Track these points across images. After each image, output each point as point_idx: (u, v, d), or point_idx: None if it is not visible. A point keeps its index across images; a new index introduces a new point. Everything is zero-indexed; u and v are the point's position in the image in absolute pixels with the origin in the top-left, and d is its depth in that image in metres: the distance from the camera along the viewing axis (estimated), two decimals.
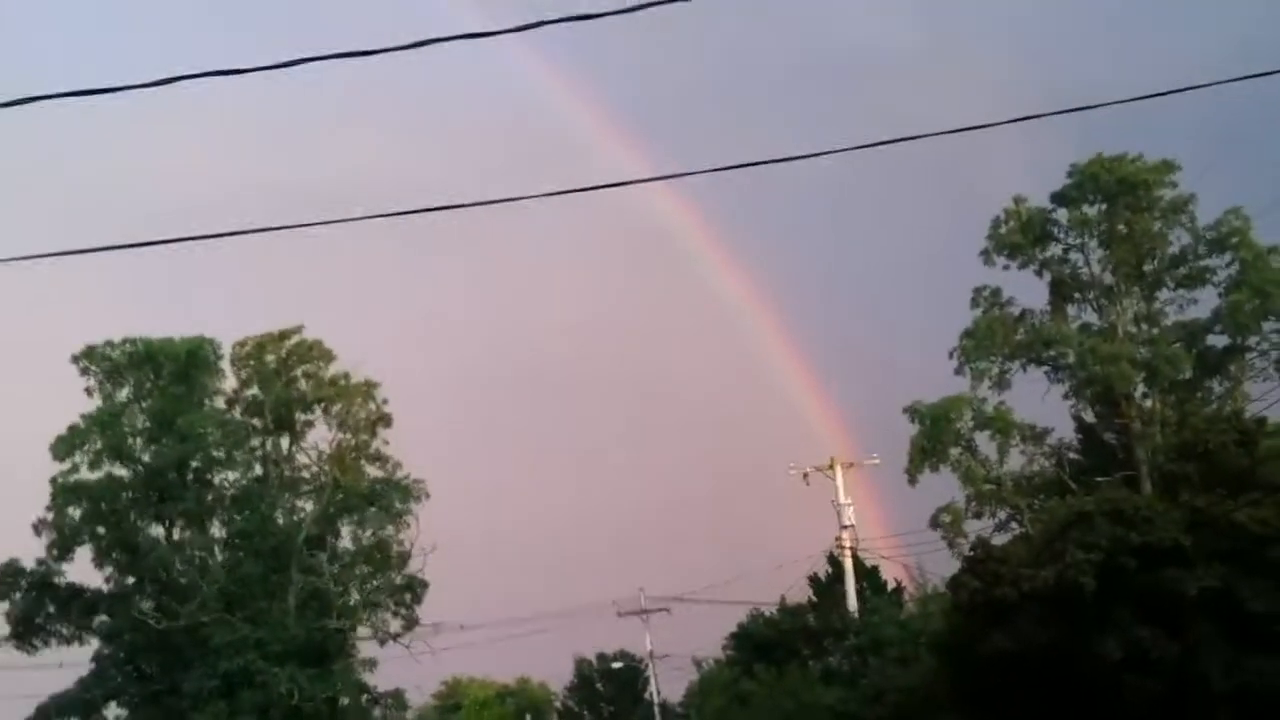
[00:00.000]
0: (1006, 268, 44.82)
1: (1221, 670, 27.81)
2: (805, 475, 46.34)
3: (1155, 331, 43.04)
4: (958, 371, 43.89)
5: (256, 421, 51.05)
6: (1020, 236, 44.26)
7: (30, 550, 49.60)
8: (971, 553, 34.06)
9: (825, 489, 45.95)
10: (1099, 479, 39.48)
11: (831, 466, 46.22)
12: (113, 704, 49.22)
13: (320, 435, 51.12)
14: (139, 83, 12.02)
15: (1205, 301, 43.43)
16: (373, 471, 50.73)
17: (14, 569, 49.34)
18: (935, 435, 42.25)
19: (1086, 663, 28.99)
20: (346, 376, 50.51)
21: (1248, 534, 28.68)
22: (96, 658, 49.66)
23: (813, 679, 39.27)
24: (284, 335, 50.87)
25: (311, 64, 11.80)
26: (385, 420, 50.67)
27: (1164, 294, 44.13)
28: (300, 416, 50.88)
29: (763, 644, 44.06)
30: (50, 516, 48.86)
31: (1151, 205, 43.06)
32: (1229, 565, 28.56)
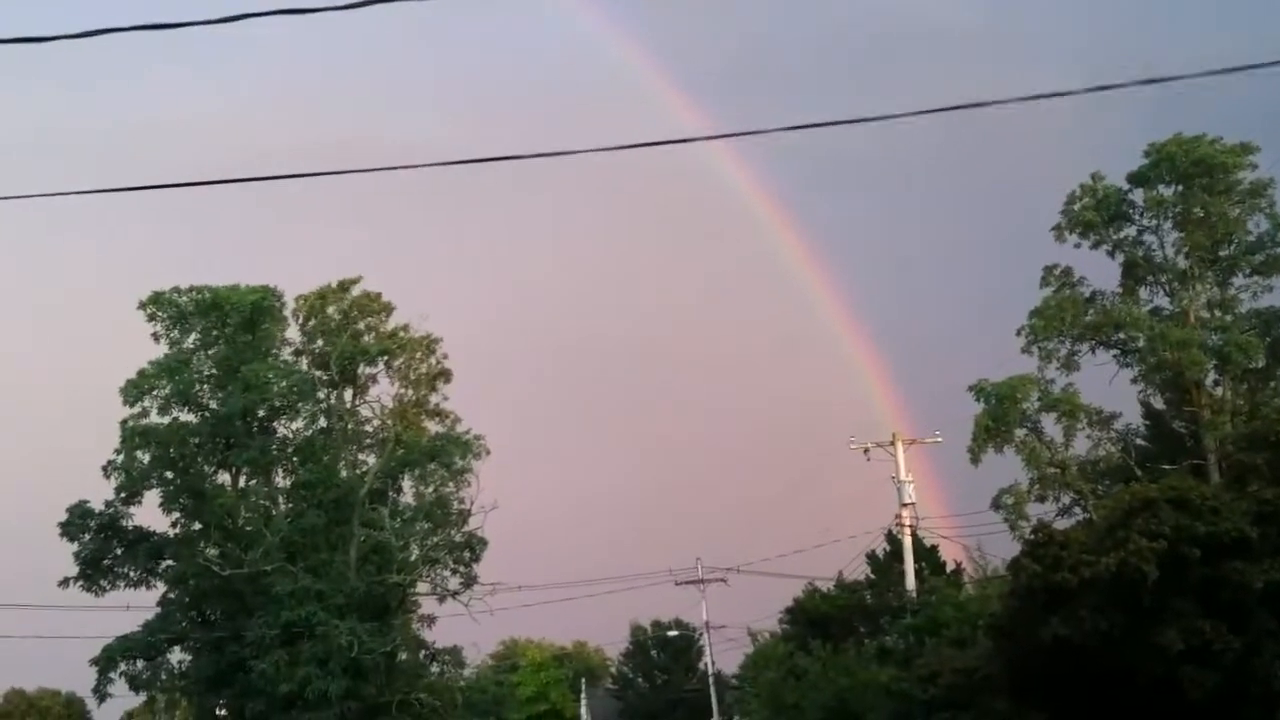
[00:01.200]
0: (1079, 246, 44.25)
1: None
2: (866, 451, 46.03)
3: (1228, 318, 42.31)
4: (1025, 350, 43.45)
5: (320, 373, 51.55)
6: (1094, 215, 43.60)
7: (100, 493, 50.61)
8: (1033, 536, 33.78)
9: (886, 466, 45.68)
10: (1165, 466, 38.99)
11: (893, 443, 45.92)
12: (176, 649, 50.19)
13: (382, 389, 51.65)
14: (205, 18, 12.11)
15: None
16: (433, 427, 51.11)
17: (83, 510, 50.21)
18: (1000, 415, 41.83)
19: (1145, 653, 28.70)
20: (406, 328, 50.94)
21: None
22: (161, 602, 50.58)
23: (868, 657, 39.22)
24: (344, 286, 51.28)
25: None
26: (446, 375, 51.05)
27: (1239, 280, 43.38)
28: (363, 370, 51.27)
29: (818, 619, 44.04)
30: (119, 459, 49.64)
31: (1229, 189, 42.22)
32: None
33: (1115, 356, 43.40)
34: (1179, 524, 29.18)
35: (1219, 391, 41.71)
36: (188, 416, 50.60)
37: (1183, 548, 28.86)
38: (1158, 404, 44.03)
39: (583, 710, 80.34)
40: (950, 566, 46.69)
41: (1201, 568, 28.87)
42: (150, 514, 50.86)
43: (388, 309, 51.45)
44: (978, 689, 32.94)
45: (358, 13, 11.93)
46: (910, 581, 42.93)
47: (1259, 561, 28.47)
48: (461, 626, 50.82)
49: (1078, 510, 41.19)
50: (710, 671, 71.42)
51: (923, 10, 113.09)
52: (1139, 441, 43.47)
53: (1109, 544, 30.11)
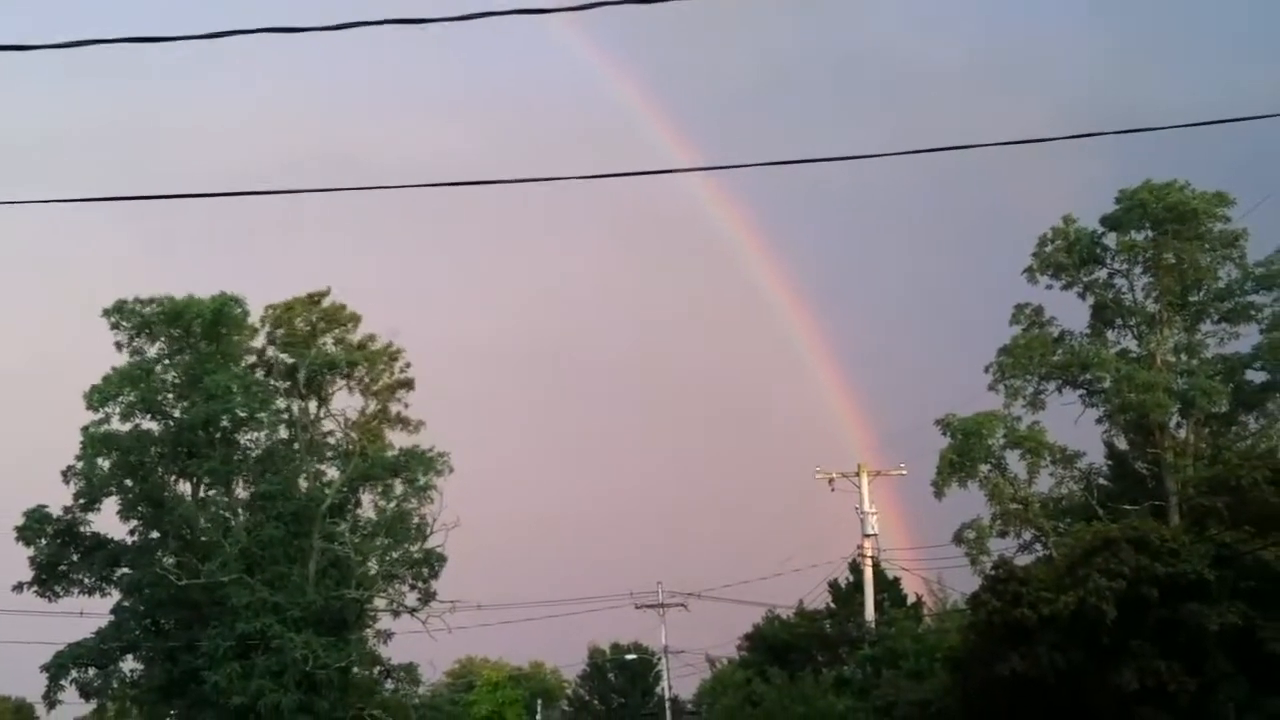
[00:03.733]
0: (1050, 287, 44.53)
1: (1238, 709, 27.64)
2: (831, 480, 46.14)
3: (1194, 363, 42.61)
4: (992, 387, 43.61)
5: (283, 384, 51.30)
6: (1066, 256, 43.92)
7: (57, 498, 50.14)
8: (993, 572, 33.90)
9: (850, 497, 45.76)
10: (1127, 506, 39.20)
11: (858, 474, 46.01)
12: (129, 657, 49.56)
13: (346, 402, 51.42)
14: (187, 34, 12.06)
15: (1247, 338, 43.01)
16: (398, 439, 50.86)
17: (40, 515, 49.64)
18: (965, 450, 41.97)
19: (1102, 692, 28.89)
20: (372, 339, 50.88)
21: (1273, 573, 28.51)
22: (116, 610, 49.89)
23: (825, 686, 39.21)
24: (314, 298, 51.11)
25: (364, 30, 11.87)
26: (408, 384, 50.89)
27: (1206, 326, 43.70)
28: (327, 381, 51.06)
29: (777, 646, 44.01)
30: (79, 465, 49.20)
31: (1201, 236, 42.60)
32: (1252, 604, 28.41)
33: (1081, 396, 43.62)
34: (1139, 564, 29.40)
35: (1182, 434, 41.98)
36: (150, 425, 50.25)
37: (1142, 588, 29.07)
38: (1121, 444, 44.29)
39: None
40: (912, 599, 46.76)
41: (1160, 608, 29.09)
42: (108, 521, 50.42)
43: (355, 320, 51.29)
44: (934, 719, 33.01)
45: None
46: (870, 612, 42.96)
47: (1216, 604, 28.69)
48: (418, 644, 50.44)
49: (1039, 547, 41.34)
50: (667, 695, 71.26)
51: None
52: (1101, 481, 43.65)
53: (1069, 582, 30.29)
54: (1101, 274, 44.24)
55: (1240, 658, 28.19)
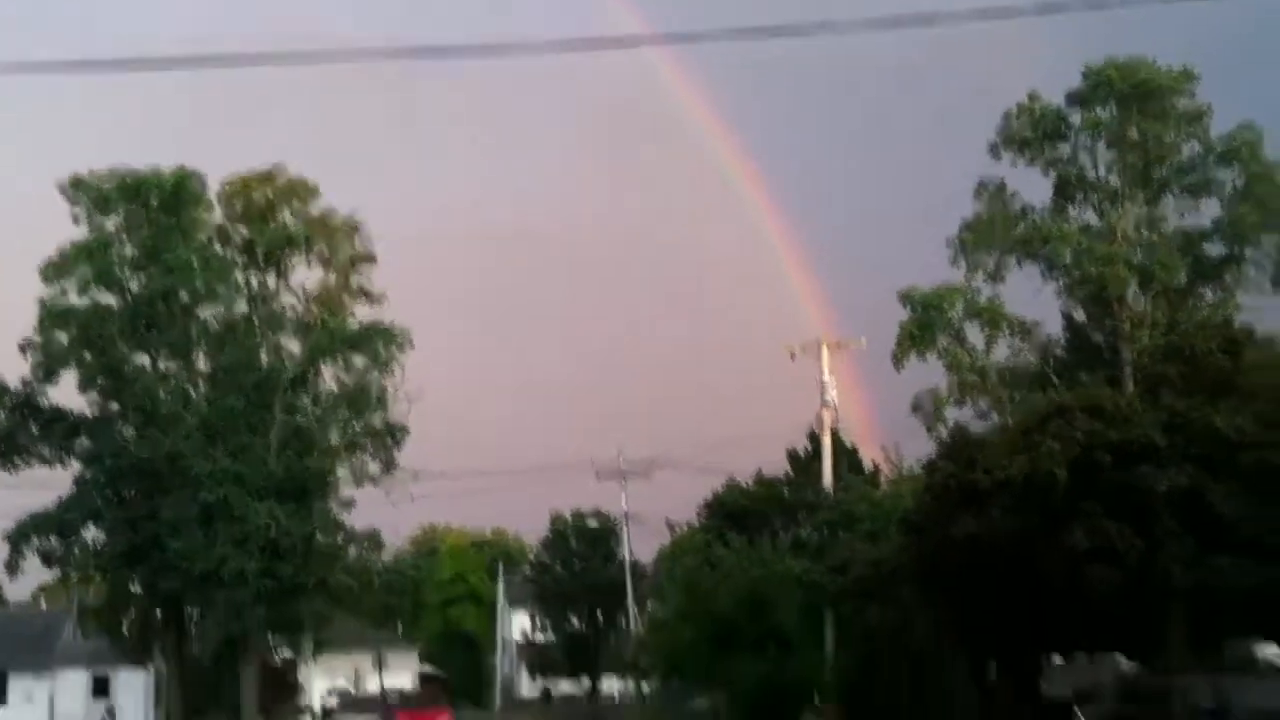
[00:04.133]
0: (1014, 163, 44.35)
1: (1183, 566, 28.27)
2: (792, 353, 46.41)
3: (1154, 237, 42.76)
4: (953, 262, 43.66)
5: (244, 259, 50.88)
6: (1031, 132, 43.70)
7: (14, 372, 49.81)
8: (949, 439, 34.31)
9: (812, 371, 46.06)
10: (1083, 376, 39.60)
11: (819, 346, 46.29)
12: (91, 525, 49.70)
13: (306, 275, 51.14)
14: None
15: (1208, 212, 43.12)
16: (360, 310, 50.70)
17: None
18: (925, 321, 42.17)
19: (1053, 552, 29.39)
20: (331, 212, 50.41)
21: (1223, 438, 28.92)
22: (77, 480, 50.01)
23: (782, 549, 39.87)
24: (271, 174, 50.49)
25: None
26: (369, 258, 50.60)
27: (1168, 201, 43.76)
28: (287, 254, 50.67)
29: (736, 513, 44.61)
30: (37, 338, 48.85)
31: (1166, 114, 42.47)
32: (1201, 468, 28.88)
33: (1041, 271, 43.75)
34: (1092, 430, 29.79)
35: (1140, 306, 42.28)
36: (108, 299, 49.81)
37: (1094, 453, 29.48)
38: (1080, 317, 44.57)
39: (499, 592, 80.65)
40: (869, 469, 47.37)
41: (1111, 473, 29.52)
42: (67, 394, 50.31)
43: (314, 193, 50.75)
44: (886, 581, 33.63)
45: None
46: (828, 479, 43.53)
47: (1166, 468, 29.16)
48: (382, 514, 50.94)
49: (995, 417, 41.73)
50: (628, 560, 72.42)
51: None
52: (1058, 353, 44.00)
53: (1023, 447, 30.68)
54: (1065, 150, 44.06)
55: (1188, 519, 28.74)
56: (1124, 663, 32.93)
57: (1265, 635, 33.60)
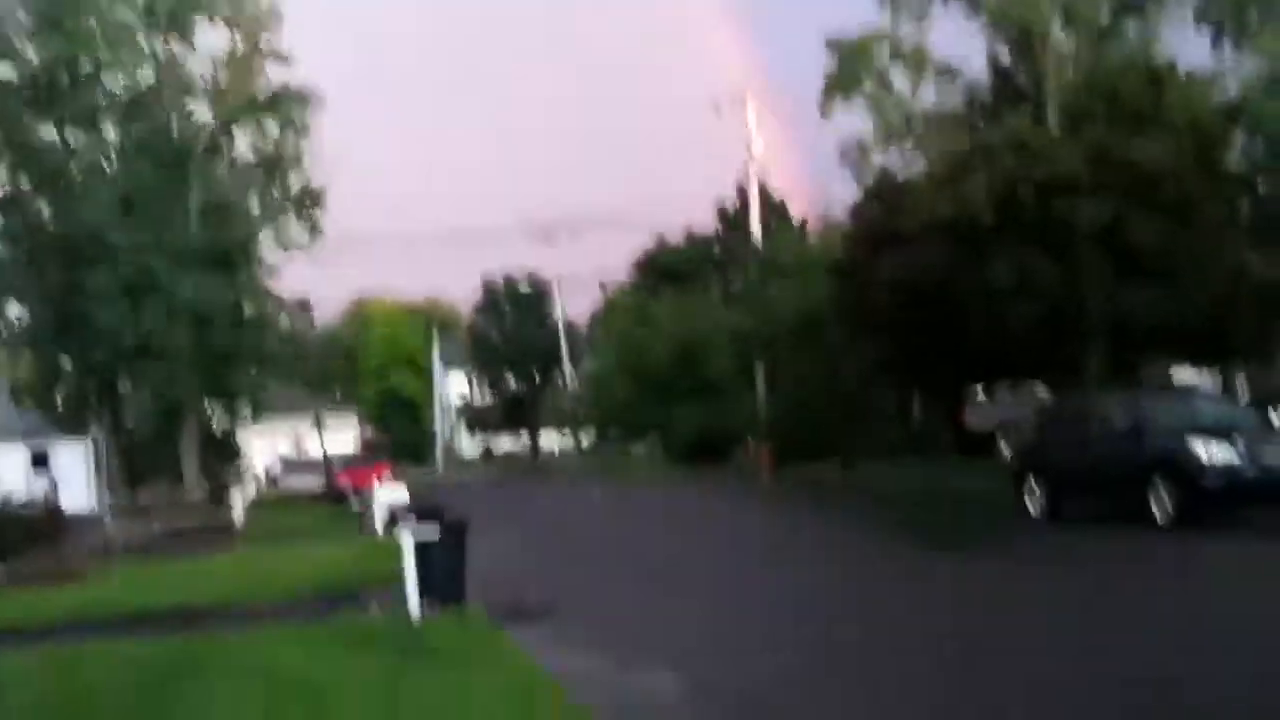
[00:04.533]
0: None
1: (1101, 297, 29.05)
2: (718, 107, 45.78)
3: None
4: (880, 6, 42.83)
5: (147, 21, 48.67)
6: None
7: None
8: (876, 184, 34.43)
9: (740, 128, 45.49)
10: (1008, 118, 39.51)
11: (744, 99, 45.67)
12: (14, 304, 48.91)
13: (214, 41, 49.20)
14: None
15: None
16: (272, 71, 49.09)
17: None
18: (850, 68, 41.65)
19: (977, 290, 30.03)
20: None
21: (1143, 171, 29.30)
22: None
23: (715, 303, 40.28)
24: None
25: None
26: (276, 17, 48.71)
27: None
28: (190, 16, 48.59)
29: (668, 271, 44.83)
30: None
31: None
32: (1123, 199, 29.32)
33: (964, 11, 43.08)
34: (1017, 165, 30.04)
35: (1064, 46, 41.93)
36: (6, 71, 47.65)
37: (1018, 189, 29.80)
38: (1005, 60, 44.18)
39: (435, 355, 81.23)
40: (799, 222, 47.51)
41: (1034, 209, 29.92)
42: None
43: None
44: (816, 324, 34.26)
45: None
46: (757, 231, 43.66)
47: (1086, 201, 29.55)
48: (314, 285, 50.63)
49: (922, 163, 41.76)
50: (561, 320, 73.07)
51: None
52: (984, 95, 43.77)
53: (948, 190, 30.92)
54: None
55: (1108, 250, 29.36)
56: (1044, 393, 34.05)
57: (1180, 360, 34.89)
